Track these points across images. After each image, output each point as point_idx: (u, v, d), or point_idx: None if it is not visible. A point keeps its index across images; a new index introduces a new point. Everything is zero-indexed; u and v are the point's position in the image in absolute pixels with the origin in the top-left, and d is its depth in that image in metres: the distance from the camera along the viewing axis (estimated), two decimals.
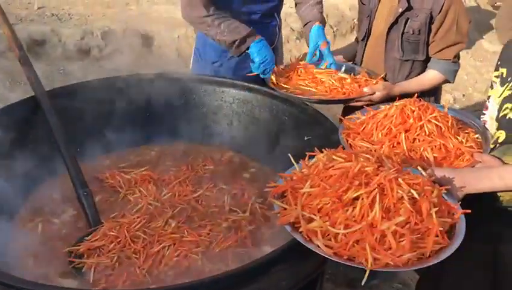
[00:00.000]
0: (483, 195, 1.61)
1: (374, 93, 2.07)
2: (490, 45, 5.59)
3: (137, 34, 4.21)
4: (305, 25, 2.41)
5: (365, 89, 2.09)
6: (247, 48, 2.20)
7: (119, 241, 1.64)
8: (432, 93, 2.22)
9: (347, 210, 1.23)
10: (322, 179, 1.32)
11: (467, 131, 1.77)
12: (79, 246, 1.62)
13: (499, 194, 1.62)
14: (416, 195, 1.24)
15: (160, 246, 1.64)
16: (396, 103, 1.75)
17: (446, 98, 4.74)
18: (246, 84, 2.24)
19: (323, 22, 2.39)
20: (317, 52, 2.32)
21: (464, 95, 4.87)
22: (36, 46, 3.73)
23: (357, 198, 1.24)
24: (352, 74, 2.30)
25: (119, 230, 1.68)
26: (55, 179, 1.96)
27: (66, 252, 1.61)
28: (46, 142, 1.91)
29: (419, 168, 1.41)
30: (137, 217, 1.74)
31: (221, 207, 1.85)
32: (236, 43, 2.18)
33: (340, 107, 2.52)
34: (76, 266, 1.56)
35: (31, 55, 3.69)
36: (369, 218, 1.19)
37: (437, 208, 1.25)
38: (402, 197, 1.22)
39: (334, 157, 1.39)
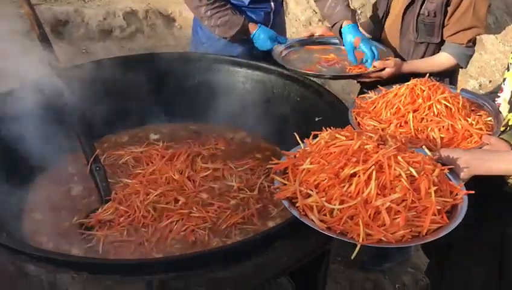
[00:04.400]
0: (491, 178, 1.59)
1: (384, 69, 2.05)
2: None
3: (159, 15, 4.24)
4: (333, 26, 2.27)
5: (375, 63, 2.06)
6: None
7: (129, 215, 1.70)
8: (447, 76, 2.17)
9: (343, 186, 1.23)
10: (322, 157, 1.32)
11: (479, 113, 1.73)
12: (90, 218, 1.68)
13: (508, 179, 1.59)
14: (415, 173, 1.23)
15: (169, 221, 1.69)
16: (408, 83, 1.73)
17: (471, 83, 4.62)
18: (259, 64, 2.25)
19: (351, 17, 2.21)
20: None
21: (490, 81, 4.73)
22: (59, 26, 3.82)
23: (354, 175, 1.24)
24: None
25: (129, 205, 1.73)
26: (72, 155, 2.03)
27: (77, 224, 1.67)
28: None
29: (424, 147, 1.40)
30: (147, 195, 1.78)
31: (230, 186, 1.88)
32: (228, 39, 2.28)
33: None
34: (86, 238, 1.63)
35: (55, 35, 3.79)
36: (364, 194, 1.19)
37: (436, 187, 1.24)
38: (400, 174, 1.22)
39: (336, 135, 1.39)
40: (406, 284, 2.64)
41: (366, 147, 1.29)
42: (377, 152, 1.27)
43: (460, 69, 2.28)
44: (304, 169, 1.32)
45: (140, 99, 2.25)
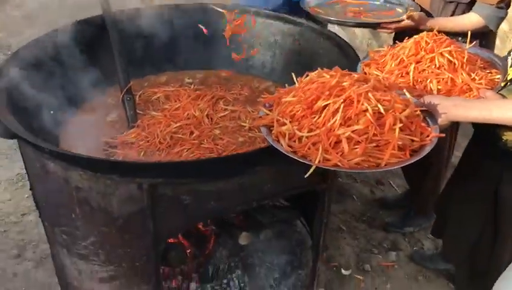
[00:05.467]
0: (487, 135, 1.61)
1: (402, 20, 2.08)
2: None
3: None
4: None
5: (403, 16, 2.10)
6: None
7: (148, 140, 1.92)
8: (477, 37, 2.12)
9: (314, 117, 1.34)
10: (304, 91, 1.43)
11: (490, 71, 1.72)
12: (115, 139, 1.93)
13: (502, 135, 1.60)
14: (382, 109, 1.31)
15: (181, 148, 1.89)
16: (415, 36, 1.76)
17: None
18: (289, 17, 2.35)
19: None
20: None
21: None
22: None
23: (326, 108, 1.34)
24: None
25: (150, 132, 1.96)
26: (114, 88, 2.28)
27: (103, 143, 1.92)
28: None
29: (405, 90, 1.46)
30: (168, 126, 1.99)
31: (243, 126, 2.03)
32: None
33: None
34: (108, 155, 1.87)
35: None
36: (328, 124, 1.29)
37: (402, 125, 1.30)
38: (366, 109, 1.30)
39: (324, 74, 1.49)
40: (425, 248, 2.66)
41: (343, 84, 1.38)
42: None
43: None
44: (286, 101, 1.44)
45: (180, 46, 2.47)
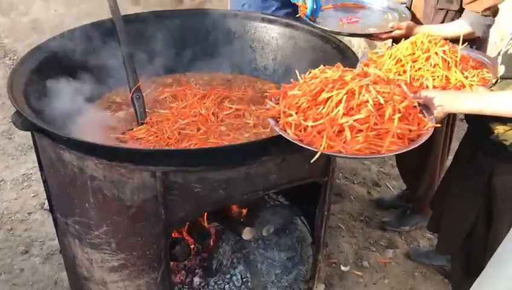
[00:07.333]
0: (480, 127, 1.72)
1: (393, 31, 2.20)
2: None
3: None
4: None
5: (390, 24, 2.20)
6: None
7: (157, 135, 2.01)
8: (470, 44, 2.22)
9: (318, 108, 1.43)
10: (308, 85, 1.53)
11: (481, 70, 1.82)
12: (125, 135, 2.01)
13: (494, 129, 1.69)
14: (381, 100, 1.40)
15: (188, 143, 1.97)
16: (412, 37, 1.87)
17: None
18: (292, 22, 2.46)
19: None
20: None
21: None
22: None
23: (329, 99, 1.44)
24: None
25: (159, 128, 2.04)
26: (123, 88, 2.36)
27: (114, 138, 2.00)
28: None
29: (402, 84, 1.56)
30: (176, 123, 2.08)
31: (247, 123, 2.12)
32: None
33: None
34: None
35: (132, 2, 4.23)
36: (332, 114, 1.39)
37: (400, 115, 1.40)
38: (367, 100, 1.39)
39: (326, 70, 1.59)
40: (421, 246, 2.74)
41: (345, 78, 1.48)
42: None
43: None
44: (292, 94, 1.53)
45: (185, 50, 2.57)
